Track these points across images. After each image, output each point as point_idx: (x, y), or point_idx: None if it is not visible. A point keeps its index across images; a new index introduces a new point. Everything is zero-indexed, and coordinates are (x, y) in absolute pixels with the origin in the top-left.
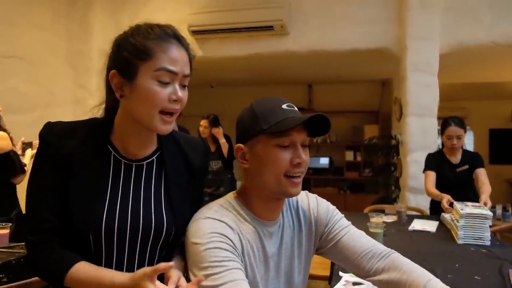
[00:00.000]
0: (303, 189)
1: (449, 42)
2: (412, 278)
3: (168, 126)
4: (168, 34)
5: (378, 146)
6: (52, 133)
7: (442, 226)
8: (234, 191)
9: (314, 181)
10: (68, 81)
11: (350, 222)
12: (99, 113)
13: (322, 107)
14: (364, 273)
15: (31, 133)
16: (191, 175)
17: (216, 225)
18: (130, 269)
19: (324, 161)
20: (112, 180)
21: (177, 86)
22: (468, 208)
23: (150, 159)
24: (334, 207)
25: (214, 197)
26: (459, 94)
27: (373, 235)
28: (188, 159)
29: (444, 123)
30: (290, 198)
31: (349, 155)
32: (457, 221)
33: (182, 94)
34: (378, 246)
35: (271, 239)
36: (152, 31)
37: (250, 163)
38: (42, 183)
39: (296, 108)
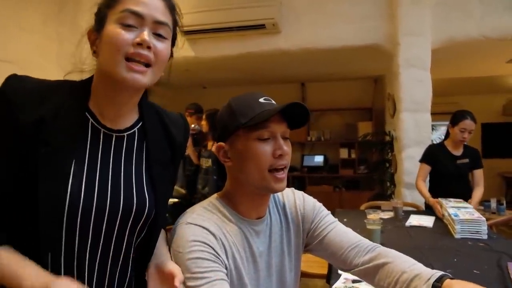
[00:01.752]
0: (299, 187)
1: (441, 37)
2: (396, 263)
3: (136, 75)
4: None
5: (372, 143)
6: (21, 92)
7: (439, 221)
8: (219, 192)
9: (309, 179)
10: None
11: (336, 219)
12: None
13: (315, 105)
14: (350, 267)
15: None
16: (172, 152)
17: (198, 232)
18: (105, 254)
19: (318, 159)
20: (89, 152)
21: (145, 31)
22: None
23: (131, 131)
24: (321, 204)
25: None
26: (451, 89)
27: (370, 232)
28: (170, 135)
29: (459, 116)
30: (276, 196)
31: (344, 153)
32: (454, 215)
33: (154, 41)
34: (364, 241)
35: (258, 238)
36: None
37: (232, 161)
38: None
39: (273, 101)
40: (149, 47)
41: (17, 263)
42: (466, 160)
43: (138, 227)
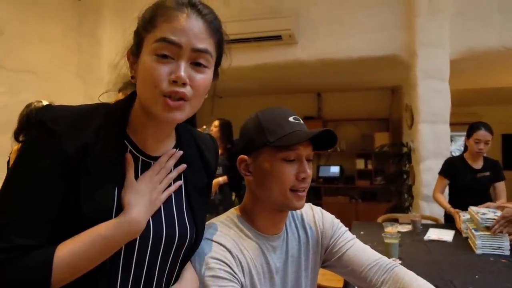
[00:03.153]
0: (315, 198)
1: (459, 47)
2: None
3: (172, 114)
4: (180, 2)
5: (389, 154)
6: (62, 121)
7: (459, 235)
8: (237, 207)
9: (325, 190)
10: (78, 94)
11: (355, 236)
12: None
13: (331, 115)
14: (369, 286)
15: None
16: (208, 178)
17: (216, 249)
18: (148, 283)
19: (334, 169)
20: None
21: (182, 64)
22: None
23: None
24: (338, 220)
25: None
26: (470, 99)
27: (388, 246)
28: (206, 160)
29: (473, 127)
30: (294, 211)
31: (360, 163)
32: (474, 230)
33: (191, 73)
34: (383, 259)
35: (275, 254)
36: (166, 1)
37: (254, 175)
38: (36, 183)
39: (302, 121)
40: (185, 83)
41: (78, 235)
42: (487, 173)
43: (181, 255)
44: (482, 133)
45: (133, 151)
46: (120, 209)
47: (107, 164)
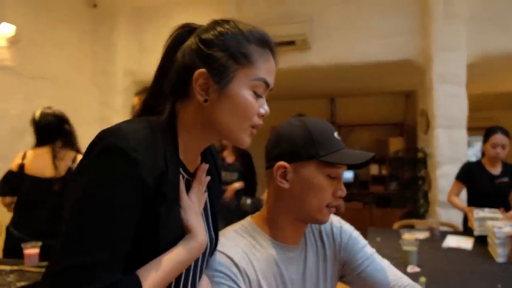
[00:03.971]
0: None
1: (476, 51)
2: None
3: (250, 140)
4: (266, 41)
5: (404, 159)
6: (137, 148)
7: (479, 243)
8: (253, 215)
9: None
10: (93, 100)
11: (374, 250)
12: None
13: (344, 120)
14: None
15: None
16: (220, 184)
17: (223, 262)
18: None
19: (348, 175)
20: None
21: (265, 101)
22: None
23: None
24: (358, 232)
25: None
26: (487, 104)
27: (407, 254)
28: (218, 168)
29: (489, 131)
30: None
31: (374, 169)
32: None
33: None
34: (402, 279)
35: (291, 265)
36: (252, 35)
37: (291, 185)
38: (120, 217)
39: (340, 138)
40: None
41: (157, 259)
42: (506, 179)
43: (205, 262)
44: (499, 137)
45: (181, 171)
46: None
47: (176, 190)
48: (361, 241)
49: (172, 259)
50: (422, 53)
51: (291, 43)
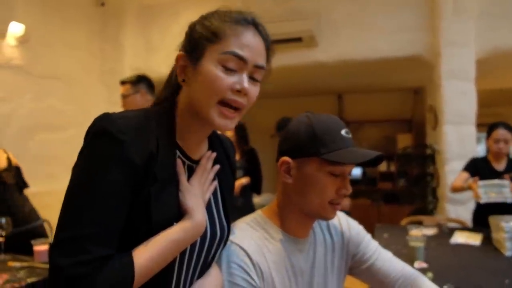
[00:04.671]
0: None
1: (485, 47)
2: None
3: (227, 122)
4: (246, 19)
5: (412, 156)
6: (128, 130)
7: (487, 239)
8: (263, 208)
9: None
10: (102, 99)
11: (377, 242)
12: None
13: (352, 117)
14: None
15: (67, 150)
16: (233, 177)
17: (237, 253)
18: (191, 280)
19: (356, 171)
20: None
21: (244, 76)
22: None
23: None
24: (362, 227)
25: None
26: (495, 100)
27: (413, 249)
28: (230, 160)
29: (492, 126)
30: None
31: (382, 165)
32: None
33: (249, 86)
34: (406, 269)
35: (301, 257)
36: (229, 15)
37: (295, 180)
38: (110, 194)
39: (351, 135)
40: (245, 94)
41: (150, 240)
42: (511, 175)
43: (218, 251)
44: (500, 132)
45: (181, 156)
46: (179, 212)
47: (168, 172)
48: (367, 234)
49: (167, 238)
50: (430, 49)
51: (298, 39)
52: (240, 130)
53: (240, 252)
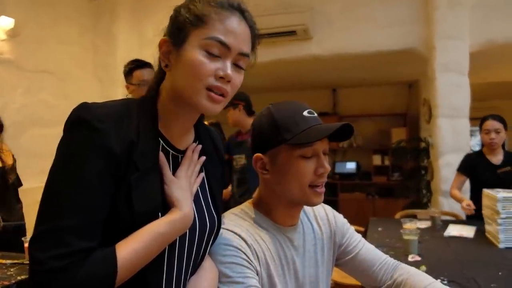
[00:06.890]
0: (331, 194)
1: (479, 40)
2: (416, 281)
3: (216, 106)
4: (231, 4)
5: (406, 150)
6: (106, 118)
7: (481, 231)
8: (250, 201)
9: (341, 187)
10: (95, 93)
11: (360, 235)
12: None
13: (347, 111)
14: (380, 284)
15: None
16: (222, 167)
17: (231, 238)
18: (182, 274)
19: (351, 166)
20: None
21: (228, 63)
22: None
23: None
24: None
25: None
26: (490, 93)
27: (407, 243)
28: (218, 150)
29: (482, 119)
30: (304, 206)
31: (377, 159)
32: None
33: (233, 73)
34: (388, 259)
35: (292, 246)
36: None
37: (272, 173)
38: (89, 184)
39: (316, 114)
40: (229, 81)
41: (134, 234)
42: (508, 168)
43: (209, 244)
44: (489, 123)
45: (165, 146)
46: (164, 205)
47: (151, 161)
48: (351, 226)
49: (152, 230)
50: (424, 42)
51: (292, 33)
52: (215, 129)
53: (234, 236)
